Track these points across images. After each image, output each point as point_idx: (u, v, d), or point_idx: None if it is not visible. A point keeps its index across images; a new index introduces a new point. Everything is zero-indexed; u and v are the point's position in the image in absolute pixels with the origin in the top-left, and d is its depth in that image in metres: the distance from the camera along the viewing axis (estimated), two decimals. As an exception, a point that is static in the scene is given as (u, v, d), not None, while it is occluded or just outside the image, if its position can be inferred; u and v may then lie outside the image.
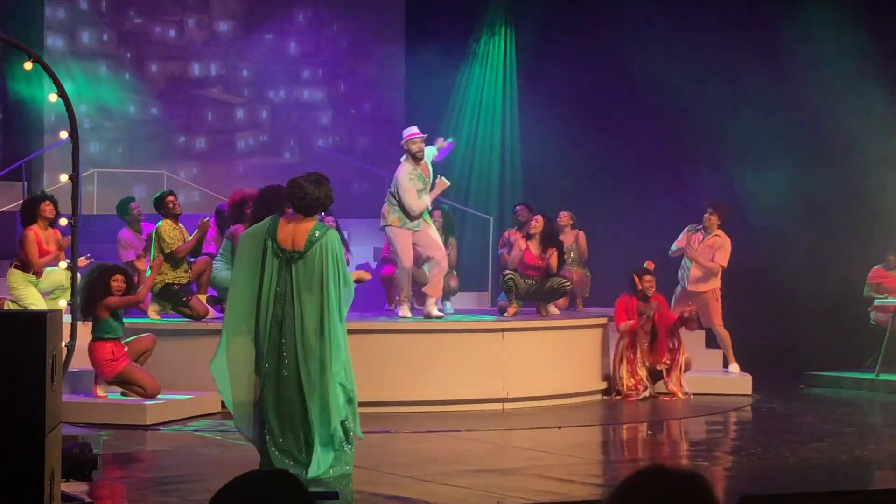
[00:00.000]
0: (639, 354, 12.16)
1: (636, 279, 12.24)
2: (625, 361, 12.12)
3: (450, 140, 12.28)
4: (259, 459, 7.74)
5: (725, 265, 12.92)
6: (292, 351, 7.59)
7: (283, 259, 7.61)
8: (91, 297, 10.07)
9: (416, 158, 11.62)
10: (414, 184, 11.56)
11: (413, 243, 11.70)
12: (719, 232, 12.99)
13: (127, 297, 10.27)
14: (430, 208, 11.80)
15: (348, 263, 13.73)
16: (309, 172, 7.93)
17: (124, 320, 10.50)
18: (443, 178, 11.76)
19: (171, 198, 11.83)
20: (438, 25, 17.38)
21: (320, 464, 7.63)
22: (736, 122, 15.38)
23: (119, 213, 12.99)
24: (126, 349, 10.28)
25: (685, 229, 13.17)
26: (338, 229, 13.82)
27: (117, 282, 10.22)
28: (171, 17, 18.18)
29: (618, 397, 12.02)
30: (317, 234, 7.63)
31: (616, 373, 12.13)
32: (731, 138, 15.48)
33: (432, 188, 11.74)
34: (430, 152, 11.82)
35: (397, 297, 11.95)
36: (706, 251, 12.98)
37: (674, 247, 13.17)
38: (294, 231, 7.65)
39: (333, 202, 7.91)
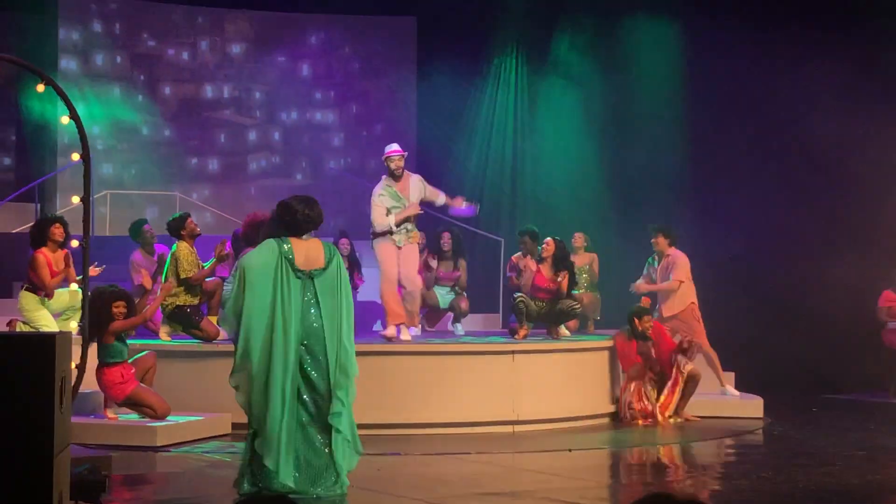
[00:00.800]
0: (646, 384, 12.13)
1: (636, 321, 12.17)
2: (633, 389, 12.09)
3: (473, 205, 12.25)
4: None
5: (683, 279, 12.75)
6: (320, 369, 7.71)
7: (305, 278, 7.70)
8: (95, 324, 10.07)
9: (395, 176, 11.67)
10: (383, 200, 11.61)
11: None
12: (671, 251, 12.88)
13: (132, 318, 10.28)
14: (396, 230, 11.69)
15: (357, 287, 13.77)
16: (296, 195, 8.07)
17: (135, 341, 10.51)
18: (442, 194, 11.80)
19: (191, 220, 11.82)
20: (450, 48, 17.42)
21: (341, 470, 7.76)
22: (750, 146, 15.37)
23: (132, 235, 13.00)
24: (133, 370, 10.29)
25: (644, 269, 13.07)
26: (352, 251, 13.88)
27: (118, 307, 10.23)
28: (185, 39, 18.27)
29: (629, 422, 11.99)
30: (331, 250, 7.86)
31: (623, 399, 12.09)
32: (745, 161, 15.46)
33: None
34: (439, 199, 11.83)
35: (384, 318, 11.91)
36: (664, 274, 12.89)
37: (634, 289, 13.00)
38: (307, 250, 7.73)
39: (323, 222, 8.00)
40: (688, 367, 12.22)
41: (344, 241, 13.88)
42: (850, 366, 14.19)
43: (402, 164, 11.71)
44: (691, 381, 12.23)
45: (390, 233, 11.62)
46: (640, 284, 12.88)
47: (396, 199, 11.64)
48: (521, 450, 10.37)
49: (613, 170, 16.15)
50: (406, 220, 11.71)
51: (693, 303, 12.60)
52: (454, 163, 16.88)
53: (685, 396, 12.19)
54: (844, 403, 13.54)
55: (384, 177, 11.76)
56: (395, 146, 11.85)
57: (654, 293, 12.88)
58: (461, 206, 12.07)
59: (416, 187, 11.83)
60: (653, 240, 12.87)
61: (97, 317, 10.04)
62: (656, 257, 12.93)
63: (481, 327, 14.67)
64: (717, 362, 12.88)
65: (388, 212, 11.64)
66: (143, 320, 10.62)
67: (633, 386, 12.07)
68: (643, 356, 12.13)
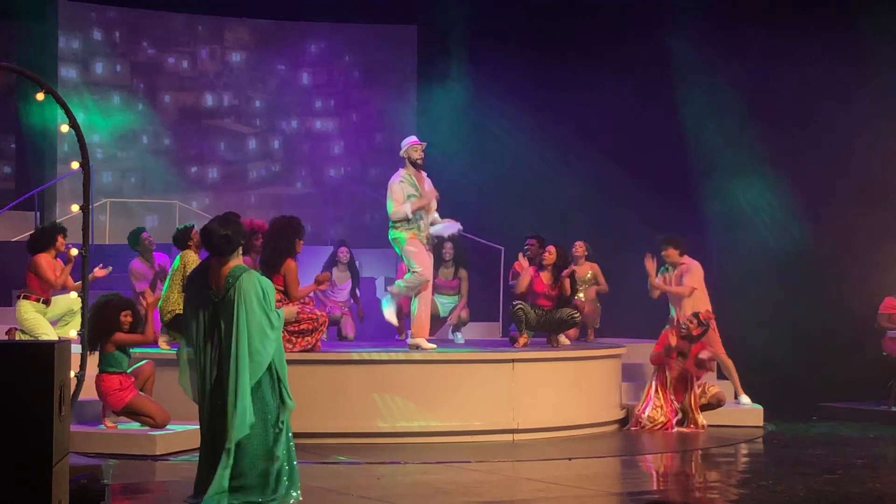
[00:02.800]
0: (669, 389, 12.16)
1: (691, 321, 12.23)
2: (658, 395, 12.12)
3: (453, 223, 12.16)
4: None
5: (696, 286, 12.78)
6: (220, 392, 7.49)
7: (213, 302, 7.50)
8: (99, 331, 10.06)
9: (416, 166, 11.62)
10: (403, 186, 11.54)
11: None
12: (684, 259, 12.91)
13: (135, 336, 10.23)
14: (415, 223, 11.62)
15: (355, 297, 13.75)
16: (219, 215, 7.80)
17: (134, 350, 10.49)
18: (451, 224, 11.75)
19: (196, 231, 11.82)
20: (450, 56, 17.43)
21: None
22: (753, 156, 15.36)
23: (130, 243, 12.99)
24: (133, 380, 10.28)
25: (658, 273, 13.08)
26: (352, 260, 13.85)
27: (126, 317, 10.21)
28: (185, 48, 18.29)
29: (640, 427, 12.01)
30: (233, 275, 7.46)
31: (645, 404, 12.12)
32: (746, 170, 15.46)
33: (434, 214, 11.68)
34: (436, 224, 11.74)
35: (408, 330, 11.83)
36: (679, 281, 12.91)
37: (648, 287, 13.07)
38: (217, 274, 7.51)
39: (245, 239, 7.74)
40: (713, 390, 12.25)
41: (343, 249, 13.86)
42: (848, 374, 14.17)
43: (423, 155, 11.67)
44: (715, 402, 12.26)
45: (410, 223, 11.47)
46: (658, 283, 12.87)
47: (415, 187, 11.58)
48: (520, 458, 10.37)
49: (615, 177, 16.14)
50: (423, 210, 11.56)
51: (707, 310, 12.62)
52: (454, 171, 16.87)
53: (704, 409, 12.25)
54: (845, 412, 13.53)
55: (402, 169, 11.69)
56: (414, 137, 11.81)
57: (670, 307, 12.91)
58: (449, 223, 11.88)
59: (429, 184, 11.80)
60: (663, 252, 12.88)
61: (104, 324, 10.04)
62: (669, 266, 12.94)
63: (482, 336, 14.65)
64: (734, 371, 12.93)
65: (408, 200, 11.54)
66: (145, 342, 10.49)
67: (657, 395, 12.11)
68: (679, 356, 12.14)
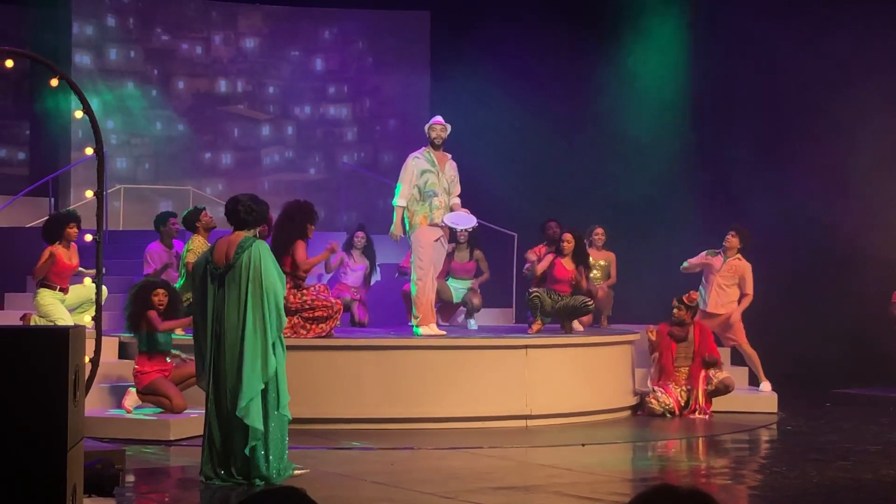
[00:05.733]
0: (674, 376, 12.17)
1: (674, 304, 12.28)
2: (661, 381, 12.15)
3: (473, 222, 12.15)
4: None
5: (750, 293, 12.90)
6: (227, 366, 7.79)
7: (217, 276, 7.77)
8: (134, 313, 10.16)
9: (434, 145, 11.67)
10: (417, 162, 11.60)
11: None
12: (739, 255, 12.96)
13: (168, 322, 10.29)
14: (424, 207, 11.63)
15: (368, 280, 13.78)
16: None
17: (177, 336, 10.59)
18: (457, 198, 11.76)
19: (206, 212, 12.01)
20: (463, 42, 17.41)
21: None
22: (769, 148, 15.30)
23: (156, 223, 12.94)
24: (168, 364, 10.30)
25: (704, 252, 13.13)
26: (370, 244, 13.85)
27: (158, 296, 10.25)
28: (198, 34, 18.29)
29: (648, 413, 12.04)
30: (244, 244, 7.78)
31: (652, 390, 12.14)
32: (765, 160, 15.40)
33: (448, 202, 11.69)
34: (452, 213, 11.74)
35: (414, 313, 11.83)
36: (728, 274, 12.95)
37: (685, 263, 13.14)
38: (227, 245, 7.85)
39: (266, 221, 8.07)
40: (720, 375, 12.25)
41: (360, 234, 13.88)
42: (862, 360, 14.14)
43: (443, 134, 11.70)
44: (722, 388, 12.26)
45: (422, 203, 11.50)
46: (694, 263, 12.94)
47: (432, 164, 11.64)
48: (533, 444, 10.38)
49: (630, 166, 16.10)
50: (432, 193, 11.57)
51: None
52: (467, 157, 16.83)
53: (712, 396, 12.24)
54: (858, 398, 13.51)
55: (423, 147, 11.79)
56: (439, 118, 11.86)
57: (701, 289, 12.92)
58: (457, 214, 11.87)
59: (452, 168, 11.85)
60: (728, 236, 12.92)
61: (136, 305, 10.12)
62: (722, 254, 12.95)
63: (495, 322, 14.66)
64: (757, 361, 12.99)
65: (418, 188, 11.56)
66: (181, 325, 10.54)
67: (659, 375, 12.13)
68: (676, 342, 12.16)
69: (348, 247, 13.83)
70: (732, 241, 12.97)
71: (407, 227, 11.64)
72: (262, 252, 7.75)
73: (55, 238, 11.21)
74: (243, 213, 7.89)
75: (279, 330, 7.84)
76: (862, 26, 14.55)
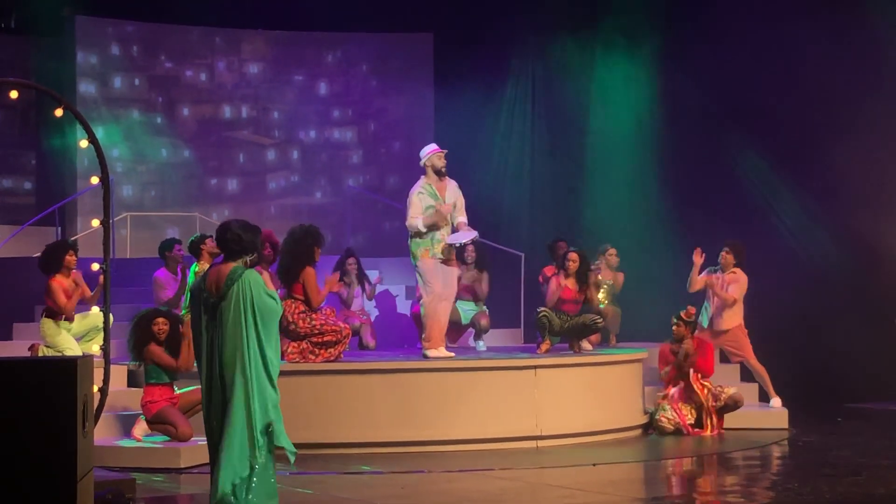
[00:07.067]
0: (679, 393, 12.16)
1: (673, 322, 12.29)
2: (667, 399, 12.13)
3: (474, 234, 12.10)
4: None
5: (738, 298, 12.88)
6: (220, 394, 7.39)
7: (210, 306, 7.42)
8: (136, 344, 10.15)
9: (439, 174, 11.57)
10: (422, 198, 11.49)
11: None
12: (735, 269, 13.00)
13: (168, 359, 10.25)
14: (428, 237, 11.54)
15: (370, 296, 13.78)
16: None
17: None
18: (464, 219, 11.67)
19: (210, 239, 11.92)
20: (467, 64, 17.43)
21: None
22: (780, 162, 15.29)
23: (161, 250, 12.93)
24: (174, 394, 10.29)
25: (705, 270, 13.14)
26: (360, 270, 13.78)
27: (158, 325, 10.24)
28: (202, 60, 18.33)
29: (659, 432, 12.01)
30: (235, 273, 7.41)
31: (659, 410, 12.12)
32: (775, 176, 15.40)
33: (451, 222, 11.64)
34: (454, 234, 11.68)
35: (424, 337, 11.80)
36: (724, 288, 12.97)
37: (689, 283, 13.14)
38: (217, 275, 7.45)
39: (257, 251, 7.67)
40: (729, 391, 12.21)
41: (351, 260, 13.81)
42: (874, 374, 14.11)
43: (445, 163, 11.62)
44: (731, 404, 12.23)
45: (423, 239, 11.45)
46: (702, 278, 12.93)
47: (435, 198, 11.52)
48: (544, 465, 10.35)
49: (637, 183, 16.09)
50: (435, 226, 11.50)
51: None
52: (473, 178, 16.86)
53: (722, 413, 12.22)
54: (869, 413, 13.46)
55: (423, 177, 11.66)
56: (433, 146, 11.76)
57: (701, 309, 12.91)
58: (458, 232, 11.80)
59: (454, 192, 11.74)
60: (722, 253, 12.97)
61: (139, 334, 10.12)
62: (719, 271, 12.99)
63: (503, 343, 14.64)
64: (766, 376, 12.97)
65: (425, 211, 11.50)
66: (180, 369, 10.44)
67: (669, 393, 12.11)
68: (676, 360, 12.15)
69: (341, 276, 13.76)
70: (728, 258, 13.01)
71: (414, 259, 11.59)
72: (252, 282, 7.39)
73: (54, 269, 11.21)
74: (232, 242, 7.48)
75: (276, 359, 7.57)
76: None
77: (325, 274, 12.14)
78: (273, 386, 7.34)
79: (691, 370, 12.21)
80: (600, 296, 13.63)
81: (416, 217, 11.42)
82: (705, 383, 12.22)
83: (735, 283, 12.96)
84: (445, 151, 11.70)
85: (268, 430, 7.27)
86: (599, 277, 13.64)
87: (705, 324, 12.98)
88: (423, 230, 11.42)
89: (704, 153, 15.60)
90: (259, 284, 7.38)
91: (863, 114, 14.60)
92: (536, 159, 17.45)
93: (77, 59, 17.52)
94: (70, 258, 11.20)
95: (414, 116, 18.33)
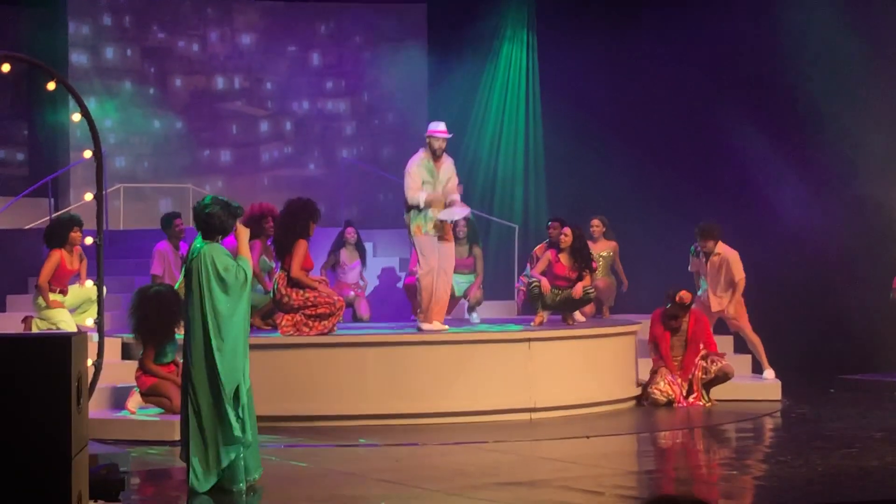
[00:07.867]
0: (672, 364, 12.18)
1: (669, 296, 12.27)
2: (660, 372, 12.14)
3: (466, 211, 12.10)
4: None
5: (743, 275, 12.82)
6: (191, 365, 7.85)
7: (187, 272, 7.93)
8: (163, 324, 10.13)
9: (434, 154, 11.54)
10: (419, 172, 11.46)
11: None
12: (719, 250, 12.88)
13: (164, 367, 10.29)
14: (423, 210, 11.50)
15: (362, 277, 13.80)
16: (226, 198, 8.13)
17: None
18: (458, 196, 11.61)
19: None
20: (461, 35, 17.38)
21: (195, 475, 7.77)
22: (776, 135, 15.26)
23: (163, 225, 12.97)
24: (174, 368, 10.30)
25: (691, 255, 13.12)
26: (359, 240, 13.83)
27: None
28: (194, 31, 18.25)
29: (652, 403, 12.03)
30: (194, 250, 7.86)
31: (651, 383, 12.13)
32: (769, 148, 15.37)
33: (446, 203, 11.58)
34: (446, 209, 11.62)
35: (420, 310, 11.77)
36: (714, 272, 12.90)
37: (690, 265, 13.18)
38: (189, 248, 7.99)
39: (229, 231, 7.93)
40: (718, 364, 12.20)
41: (350, 230, 13.86)
42: (866, 347, 14.13)
43: (444, 145, 11.57)
44: (721, 376, 12.23)
45: (417, 213, 11.39)
46: (699, 267, 12.98)
47: (430, 174, 11.50)
48: (538, 438, 10.38)
49: (631, 155, 16.05)
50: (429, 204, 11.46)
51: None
52: (466, 150, 16.83)
53: (710, 385, 12.23)
54: (862, 385, 13.48)
55: (422, 150, 11.61)
56: (441, 126, 11.66)
57: (703, 282, 12.93)
58: (451, 209, 11.76)
59: (448, 169, 11.68)
60: (700, 242, 12.86)
61: (167, 317, 10.08)
62: (702, 256, 12.92)
63: (497, 315, 14.65)
64: (761, 347, 12.94)
65: (423, 187, 11.45)
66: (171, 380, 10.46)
67: (659, 368, 12.12)
68: (671, 332, 12.16)
69: (339, 245, 13.79)
70: (709, 244, 12.88)
71: (408, 231, 11.57)
72: (207, 258, 7.76)
73: (59, 243, 11.20)
74: (201, 222, 7.91)
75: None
76: None
77: (322, 251, 12.14)
78: (238, 355, 7.73)
79: (700, 345, 12.19)
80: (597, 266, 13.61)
81: (419, 192, 11.37)
82: (700, 362, 12.20)
83: (731, 263, 12.78)
84: (450, 136, 11.62)
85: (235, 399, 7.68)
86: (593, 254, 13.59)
87: (703, 298, 12.93)
88: (423, 206, 11.37)
89: (704, 123, 15.55)
90: (210, 265, 7.74)
91: (865, 86, 14.57)
92: (531, 130, 17.41)
93: (69, 30, 17.44)
94: (75, 234, 11.19)
95: (407, 87, 18.27)
